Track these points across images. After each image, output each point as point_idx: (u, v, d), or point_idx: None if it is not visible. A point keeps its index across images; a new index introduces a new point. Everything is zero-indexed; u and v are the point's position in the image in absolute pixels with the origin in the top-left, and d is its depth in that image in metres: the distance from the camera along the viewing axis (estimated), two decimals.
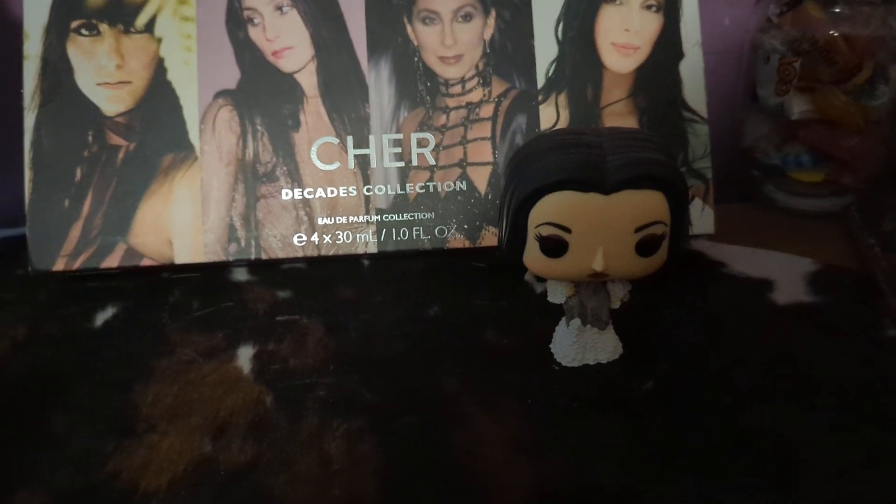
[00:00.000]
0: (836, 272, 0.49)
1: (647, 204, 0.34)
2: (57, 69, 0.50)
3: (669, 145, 0.50)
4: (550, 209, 0.35)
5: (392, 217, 0.51)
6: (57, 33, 0.50)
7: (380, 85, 0.51)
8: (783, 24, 0.55)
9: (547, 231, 0.35)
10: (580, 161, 0.34)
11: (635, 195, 0.34)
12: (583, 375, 0.41)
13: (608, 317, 0.40)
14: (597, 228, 0.35)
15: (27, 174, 0.50)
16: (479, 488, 0.34)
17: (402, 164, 0.51)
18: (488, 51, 0.51)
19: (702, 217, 0.51)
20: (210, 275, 0.52)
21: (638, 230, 0.35)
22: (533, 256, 0.37)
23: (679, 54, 0.52)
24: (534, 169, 0.35)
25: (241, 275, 0.52)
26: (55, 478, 0.35)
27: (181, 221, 0.50)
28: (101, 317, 0.48)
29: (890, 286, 0.46)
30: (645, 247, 0.35)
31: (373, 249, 0.51)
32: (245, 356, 0.44)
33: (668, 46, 0.52)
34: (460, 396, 0.40)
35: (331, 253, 0.51)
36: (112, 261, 0.49)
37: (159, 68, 0.50)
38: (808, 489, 0.33)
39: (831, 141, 0.56)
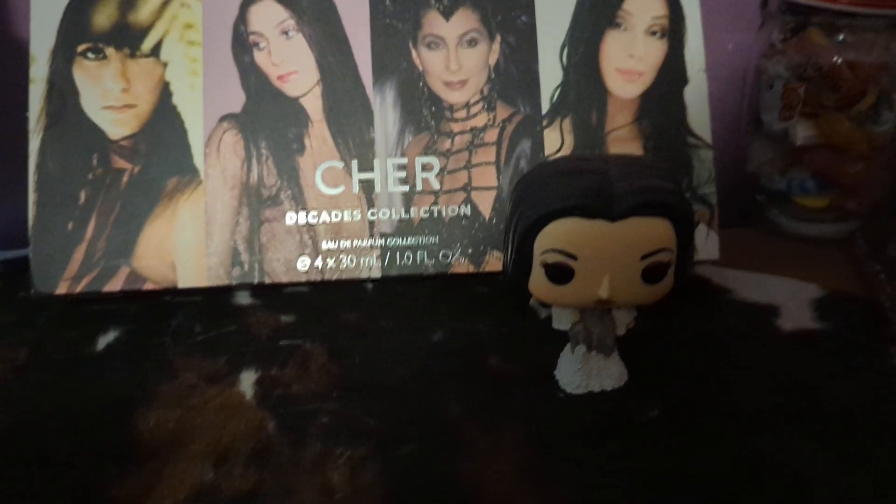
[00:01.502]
0: (841, 299, 0.49)
1: (653, 231, 0.34)
2: (62, 92, 0.50)
3: (674, 171, 0.50)
4: (556, 236, 0.35)
5: (396, 241, 0.51)
6: (63, 57, 0.50)
7: (385, 109, 0.51)
8: (787, 49, 0.55)
9: (553, 258, 0.35)
10: (586, 188, 0.34)
11: (642, 222, 0.34)
12: (588, 403, 0.41)
13: (614, 343, 0.40)
14: (603, 255, 0.34)
15: (31, 196, 0.50)
16: None
17: (406, 188, 0.51)
18: (493, 76, 0.51)
19: (707, 243, 0.51)
20: (213, 299, 0.51)
21: (644, 257, 0.34)
22: (538, 283, 0.36)
23: (683, 80, 0.52)
24: (540, 195, 0.35)
25: (244, 299, 0.52)
26: None
27: (185, 245, 0.50)
28: (103, 340, 0.47)
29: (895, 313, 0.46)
30: (651, 274, 0.35)
31: (377, 274, 0.50)
32: (248, 381, 0.43)
33: (672, 72, 0.52)
34: (464, 423, 0.39)
35: (334, 277, 0.50)
36: (115, 284, 0.49)
37: (165, 92, 0.51)
38: None
39: (836, 166, 0.56)
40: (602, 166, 0.35)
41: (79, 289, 0.49)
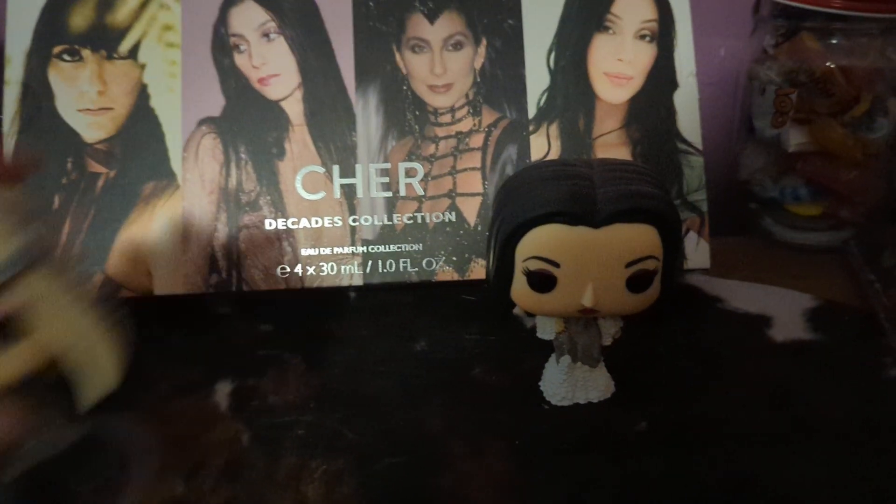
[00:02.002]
0: (835, 309, 0.48)
1: (638, 238, 0.33)
2: (37, 95, 0.49)
3: (664, 177, 0.49)
4: (538, 242, 0.33)
5: (378, 248, 0.49)
6: (39, 59, 0.49)
7: (367, 113, 0.50)
8: (779, 55, 0.54)
9: (535, 265, 0.34)
10: (569, 193, 0.33)
11: (626, 229, 0.33)
12: (573, 415, 0.40)
13: (599, 354, 0.39)
14: (586, 263, 0.33)
15: None
16: None
17: (389, 194, 0.50)
18: (479, 80, 0.50)
19: (697, 251, 0.50)
20: (190, 307, 0.50)
21: (629, 265, 0.33)
22: (520, 291, 0.35)
23: (673, 85, 0.51)
24: (522, 201, 0.34)
25: (221, 307, 0.50)
26: None
27: (161, 252, 0.48)
28: None
29: (891, 324, 0.45)
30: (636, 282, 0.34)
31: (358, 282, 0.49)
32: (223, 392, 0.42)
33: (662, 77, 0.51)
34: (446, 436, 0.38)
35: (315, 285, 0.49)
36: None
37: (142, 95, 0.49)
38: None
39: (829, 174, 0.55)
40: (586, 171, 0.34)
41: None
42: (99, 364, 0.29)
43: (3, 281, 0.25)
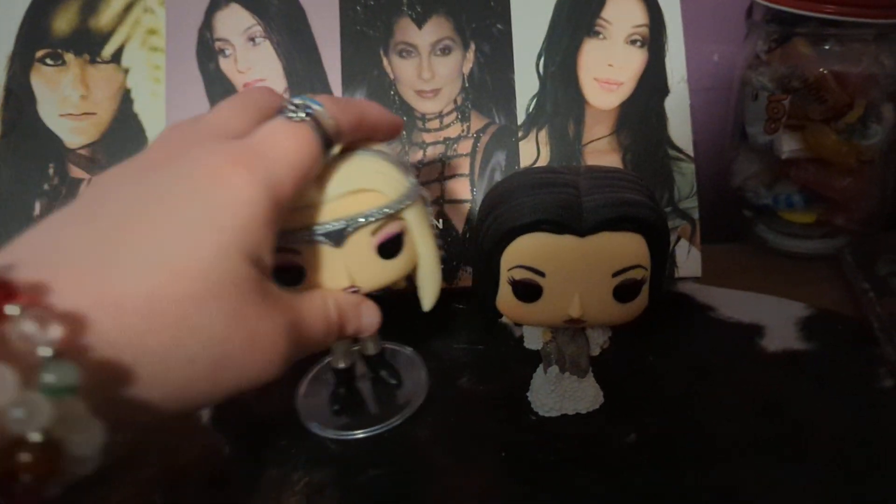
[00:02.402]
0: (829, 318, 0.47)
1: (625, 247, 0.32)
2: (19, 99, 0.48)
3: (654, 184, 0.49)
4: (523, 251, 0.33)
5: None
6: (21, 63, 0.48)
7: None
8: (772, 60, 0.54)
9: (520, 274, 0.33)
10: (555, 201, 0.32)
11: (613, 237, 0.32)
12: (561, 426, 0.39)
13: (588, 364, 0.38)
14: (572, 272, 0.33)
15: None
16: None
17: None
18: (467, 85, 0.50)
19: (688, 259, 0.49)
20: None
21: (616, 274, 0.33)
22: (506, 301, 0.35)
23: (664, 90, 0.50)
24: (507, 209, 0.33)
25: None
26: None
27: None
28: None
29: (885, 333, 0.44)
30: (624, 292, 0.33)
31: None
32: None
33: (652, 82, 0.50)
34: (432, 447, 0.38)
35: None
36: None
37: (125, 99, 0.49)
38: None
39: (823, 181, 0.54)
40: (572, 178, 0.34)
41: None
42: (435, 276, 0.36)
43: (400, 208, 0.33)
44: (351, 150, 0.33)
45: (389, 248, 0.33)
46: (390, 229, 0.33)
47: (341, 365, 0.39)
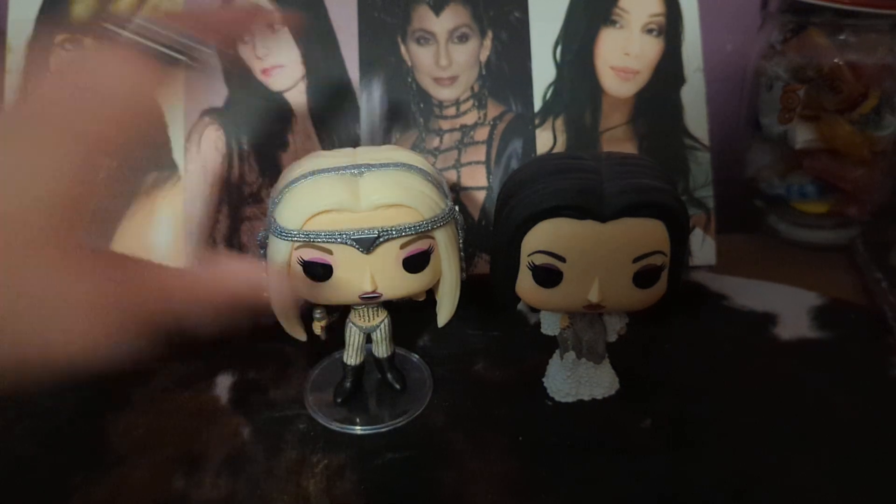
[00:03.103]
0: (841, 307, 0.48)
1: (645, 233, 0.33)
2: None
3: (670, 173, 0.49)
4: (544, 237, 0.33)
5: None
6: (41, 48, 0.49)
7: (371, 105, 0.50)
8: (787, 50, 0.54)
9: (540, 260, 0.33)
10: (576, 187, 0.32)
11: (634, 223, 0.32)
12: (577, 411, 0.39)
13: (604, 350, 0.39)
14: (593, 258, 0.33)
15: None
16: None
17: None
18: (484, 72, 0.50)
19: (703, 248, 0.50)
20: None
21: (636, 260, 0.33)
22: (525, 286, 0.35)
23: (680, 79, 0.50)
24: (528, 194, 0.34)
25: None
26: None
27: (163, 243, 0.48)
28: None
29: None
30: (643, 278, 0.33)
31: None
32: (224, 385, 0.42)
33: (668, 71, 0.50)
34: (448, 432, 0.38)
35: None
36: None
37: None
38: None
39: (836, 171, 0.55)
40: (594, 165, 0.34)
41: None
42: (454, 296, 0.38)
43: (433, 227, 0.35)
44: (397, 165, 0.35)
45: (415, 262, 0.35)
46: (418, 246, 0.35)
47: (352, 361, 0.40)
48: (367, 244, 0.33)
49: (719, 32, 0.62)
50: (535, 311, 0.47)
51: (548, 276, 0.34)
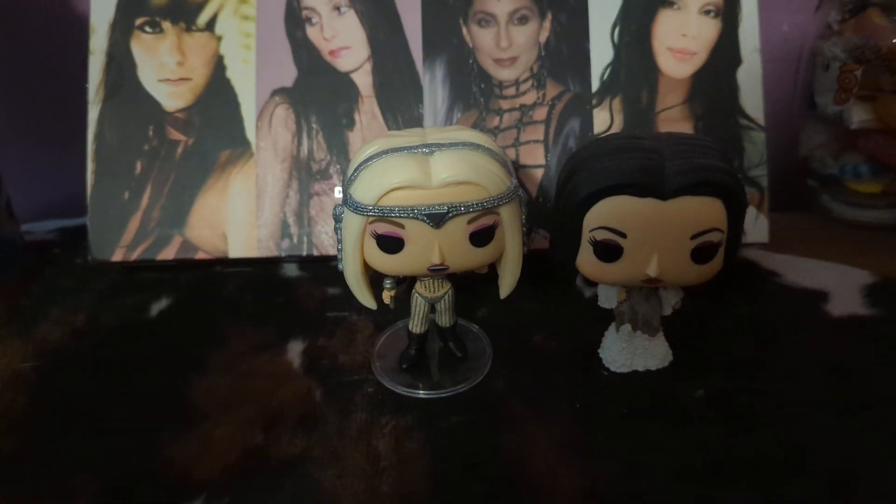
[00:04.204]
0: (893, 285, 0.48)
1: (704, 210, 0.34)
2: (121, 65, 0.51)
3: (727, 151, 0.49)
4: (606, 213, 0.35)
5: None
6: (122, 30, 0.51)
7: (434, 86, 0.51)
8: (845, 30, 0.54)
9: (602, 235, 0.35)
10: (638, 165, 0.34)
11: (693, 201, 0.34)
12: (632, 382, 0.41)
13: (659, 324, 0.40)
14: (653, 234, 0.34)
15: (89, 166, 0.51)
16: (528, 490, 0.34)
17: None
18: (543, 53, 0.51)
19: (756, 225, 0.51)
20: (261, 270, 0.52)
21: (694, 237, 0.34)
22: (587, 260, 0.37)
23: (737, 60, 0.51)
24: (591, 172, 0.35)
25: (291, 271, 0.52)
26: (113, 463, 0.36)
27: (236, 216, 0.51)
28: (157, 307, 0.49)
29: None
30: (701, 254, 0.35)
31: None
32: (295, 350, 0.44)
33: (725, 52, 0.51)
34: (508, 398, 0.40)
35: None
36: (168, 253, 0.51)
37: (219, 66, 0.51)
38: None
39: (891, 151, 0.55)
40: (654, 144, 0.35)
41: (134, 256, 0.51)
42: (516, 269, 0.40)
43: (499, 204, 0.36)
44: (466, 144, 0.37)
45: (481, 237, 0.37)
46: (485, 221, 0.36)
47: (417, 330, 0.42)
48: (438, 219, 0.35)
49: (776, 13, 0.62)
50: (591, 285, 0.48)
51: (608, 251, 0.35)
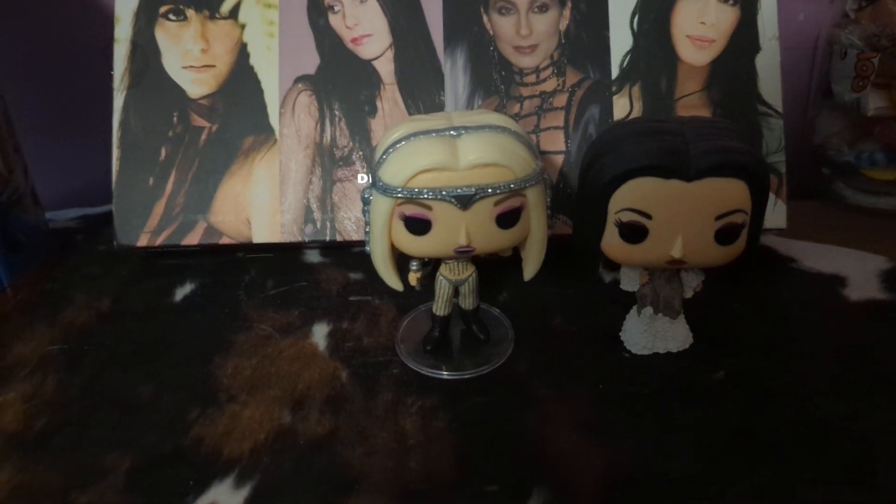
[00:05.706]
0: None
1: (728, 192, 0.34)
2: (145, 52, 0.52)
3: (748, 134, 0.50)
4: (632, 195, 0.35)
5: None
6: (146, 18, 0.52)
7: (455, 73, 0.52)
8: (862, 18, 0.54)
9: (627, 217, 0.36)
10: (663, 147, 0.34)
11: (717, 183, 0.34)
12: (653, 363, 0.41)
13: (680, 306, 0.40)
14: (677, 215, 0.35)
15: (115, 153, 0.52)
16: (552, 468, 0.35)
17: None
18: (563, 41, 0.52)
19: (774, 212, 0.51)
20: (284, 255, 0.53)
21: (719, 218, 0.35)
22: (612, 242, 0.37)
23: (755, 48, 0.51)
24: (616, 154, 0.36)
25: (314, 256, 0.53)
26: (143, 442, 0.37)
27: (259, 202, 0.51)
28: (181, 292, 0.49)
29: None
30: (724, 235, 0.35)
31: None
32: (320, 334, 0.45)
33: (744, 40, 0.51)
34: (531, 379, 0.41)
35: None
36: (193, 238, 0.51)
37: (242, 53, 0.52)
38: (883, 484, 0.33)
39: None
40: (677, 127, 0.36)
41: (158, 241, 0.51)
42: (541, 251, 0.40)
43: (525, 186, 0.37)
44: (492, 127, 0.37)
45: (507, 219, 0.37)
46: (511, 203, 0.37)
47: (441, 312, 0.43)
48: (465, 201, 0.36)
49: (791, 1, 0.63)
50: (611, 270, 0.49)
51: (634, 233, 0.36)
